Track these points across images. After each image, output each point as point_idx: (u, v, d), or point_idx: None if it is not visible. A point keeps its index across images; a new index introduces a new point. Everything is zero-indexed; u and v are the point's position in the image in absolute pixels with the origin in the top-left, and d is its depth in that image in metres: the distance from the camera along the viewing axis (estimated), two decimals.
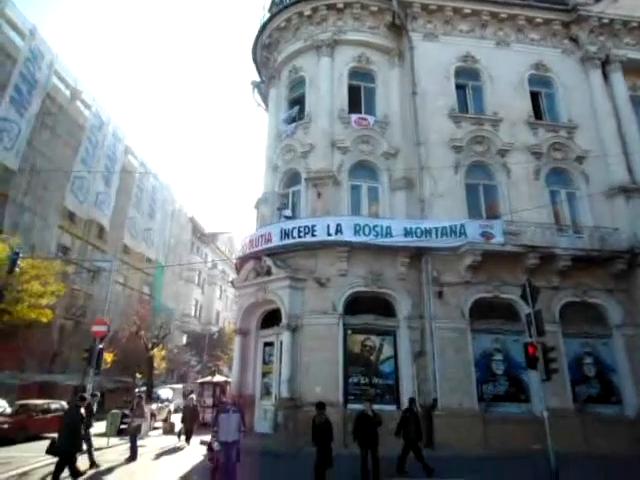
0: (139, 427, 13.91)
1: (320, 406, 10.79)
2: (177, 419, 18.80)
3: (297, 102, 19.98)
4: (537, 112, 19.30)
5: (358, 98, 19.23)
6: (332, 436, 10.47)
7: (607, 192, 17.64)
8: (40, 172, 25.74)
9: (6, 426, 15.87)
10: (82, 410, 10.19)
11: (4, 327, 21.66)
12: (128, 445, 13.37)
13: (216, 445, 9.66)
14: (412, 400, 12.06)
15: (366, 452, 10.07)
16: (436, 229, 15.78)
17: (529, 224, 16.15)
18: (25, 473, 10.64)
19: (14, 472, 10.64)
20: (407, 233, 15.74)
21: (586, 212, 17.57)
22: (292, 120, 19.51)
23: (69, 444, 9.65)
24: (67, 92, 29.28)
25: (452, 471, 10.95)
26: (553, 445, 10.53)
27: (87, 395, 11.89)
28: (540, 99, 19.85)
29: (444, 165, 17.23)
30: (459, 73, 19.33)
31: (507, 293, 15.58)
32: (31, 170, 25.35)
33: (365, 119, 18.52)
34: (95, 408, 14.25)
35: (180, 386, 31.63)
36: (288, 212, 17.99)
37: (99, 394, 16.14)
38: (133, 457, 12.79)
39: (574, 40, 20.37)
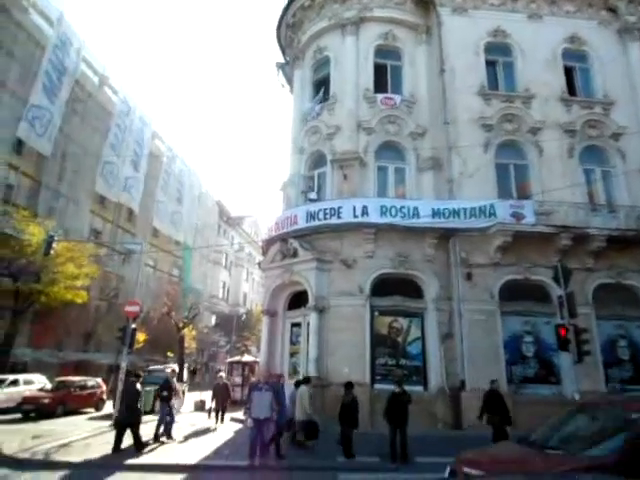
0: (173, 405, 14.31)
1: (348, 386, 11.00)
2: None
3: (322, 83, 19.77)
4: (571, 88, 18.59)
5: (384, 77, 18.87)
6: (357, 415, 10.67)
7: None
8: (71, 158, 26.40)
9: (47, 401, 16.70)
10: (138, 385, 11.08)
11: (42, 308, 22.62)
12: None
13: (249, 422, 9.95)
14: (493, 381, 11.72)
15: (395, 430, 10.17)
16: (465, 210, 15.53)
17: (561, 204, 15.70)
18: (65, 444, 11.16)
19: (55, 444, 11.18)
20: (435, 214, 15.55)
21: (622, 191, 16.96)
22: (317, 101, 19.34)
23: (128, 417, 10.54)
24: (95, 78, 29.75)
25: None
26: None
27: (142, 372, 13.36)
28: (574, 74, 19.10)
29: (473, 144, 16.85)
30: (489, 49, 18.72)
31: (538, 275, 15.28)
32: (63, 156, 26.02)
33: (391, 98, 18.20)
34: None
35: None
36: (313, 195, 17.98)
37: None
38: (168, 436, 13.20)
39: (612, 10, 19.43)
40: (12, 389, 17.72)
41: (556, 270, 11.97)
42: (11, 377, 18.47)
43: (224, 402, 15.12)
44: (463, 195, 16.37)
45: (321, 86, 19.59)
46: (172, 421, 12.47)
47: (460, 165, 16.88)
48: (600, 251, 15.30)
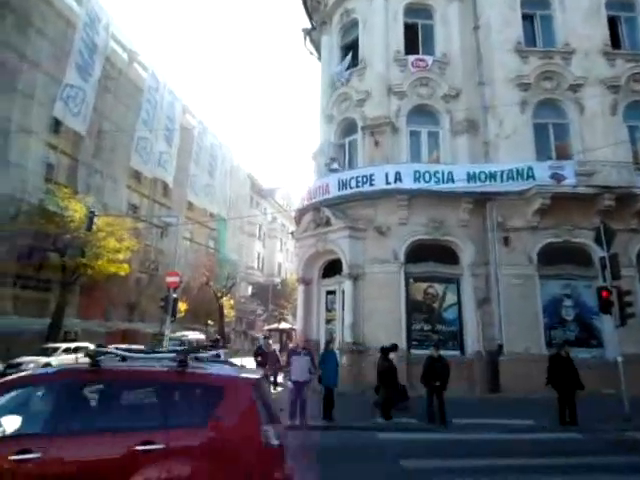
0: None
1: (384, 350, 11.20)
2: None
3: (350, 48, 19.32)
4: (615, 40, 17.49)
5: (415, 38, 18.26)
6: (396, 378, 10.93)
7: None
8: (106, 135, 27.04)
9: None
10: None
11: (88, 281, 23.73)
12: None
13: (289, 384, 10.34)
14: (562, 344, 11.52)
15: (432, 393, 10.34)
16: (501, 172, 15.14)
17: (604, 163, 15.06)
18: None
19: None
20: (470, 178, 15.23)
21: None
22: (346, 67, 18.95)
23: None
24: (124, 55, 30.04)
25: (519, 413, 11.05)
26: (627, 389, 10.31)
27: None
28: (619, 25, 17.98)
29: (510, 105, 16.24)
30: (525, 1, 17.72)
31: (579, 237, 14.87)
32: (98, 134, 26.67)
33: (423, 60, 17.64)
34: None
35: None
36: (335, 165, 17.89)
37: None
38: None
39: None
40: (65, 356, 18.87)
41: (598, 231, 11.61)
42: (64, 345, 19.67)
43: (275, 369, 15.59)
44: (499, 158, 15.95)
45: (349, 51, 19.15)
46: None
47: (496, 127, 16.38)
48: None
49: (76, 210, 21.14)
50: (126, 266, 23.45)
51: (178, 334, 24.44)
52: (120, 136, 27.80)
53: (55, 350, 18.95)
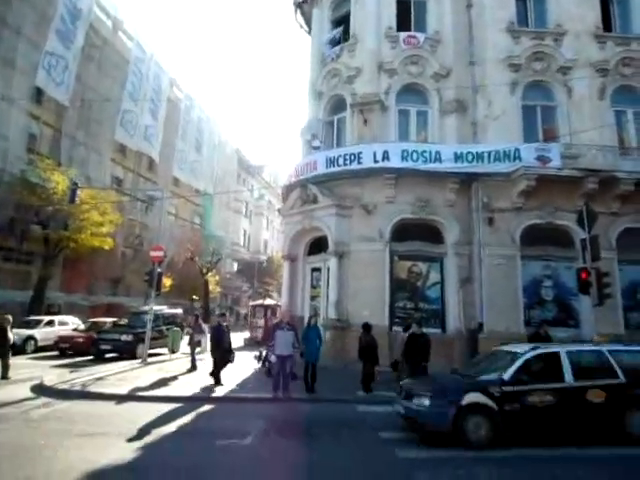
0: (199, 342, 15.11)
1: (366, 327, 11.39)
2: None
3: (341, 22, 18.98)
4: (606, 23, 17.43)
5: (407, 14, 17.97)
6: (377, 353, 11.13)
7: None
8: (90, 106, 26.41)
9: (81, 340, 17.72)
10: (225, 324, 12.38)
11: (72, 254, 23.50)
12: (189, 358, 14.58)
13: (273, 358, 10.47)
14: (541, 324, 11.84)
15: (413, 369, 10.53)
16: (489, 153, 15.18)
17: (590, 147, 15.17)
18: (100, 378, 11.95)
19: (91, 377, 11.99)
20: (457, 158, 15.26)
21: None
22: (337, 42, 18.65)
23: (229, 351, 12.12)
24: (109, 23, 29.17)
25: None
26: None
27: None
28: (611, 7, 17.87)
29: (499, 85, 16.20)
30: None
31: (561, 219, 15.05)
32: (82, 105, 26.02)
33: (414, 37, 17.43)
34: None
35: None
36: (316, 143, 17.77)
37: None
38: (193, 368, 14.01)
39: None
40: (48, 329, 18.83)
41: (581, 213, 11.78)
42: (47, 318, 19.57)
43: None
44: (487, 139, 15.98)
45: (341, 25, 18.83)
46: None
47: (485, 107, 16.37)
48: (628, 195, 14.89)
49: (59, 182, 20.79)
50: (110, 240, 23.24)
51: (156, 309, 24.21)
52: (105, 108, 27.18)
53: (38, 323, 18.89)
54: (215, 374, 11.62)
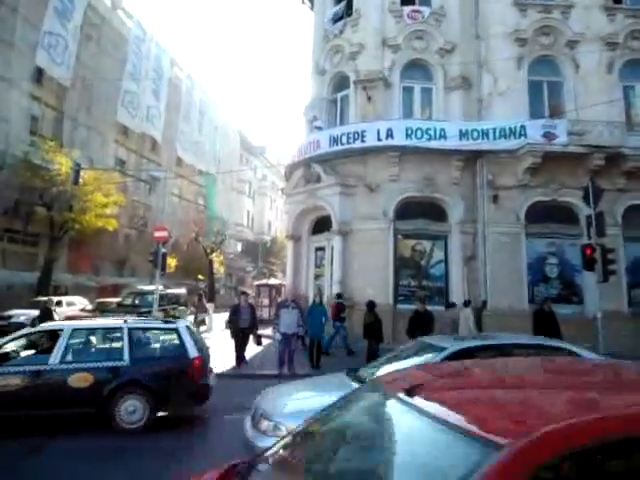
0: (203, 320, 15.28)
1: (370, 305, 11.50)
2: None
3: None
4: None
5: None
6: (381, 331, 11.25)
7: None
8: (91, 87, 26.19)
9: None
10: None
11: (77, 236, 23.61)
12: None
13: (277, 336, 10.59)
14: (545, 300, 11.78)
15: None
16: (494, 130, 15.04)
17: (596, 123, 14.96)
18: None
19: None
20: (462, 135, 15.12)
21: None
22: (339, 18, 18.32)
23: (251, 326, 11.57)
24: (107, 0, 28.68)
25: None
26: (604, 344, 10.70)
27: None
28: None
29: (505, 60, 15.96)
30: None
31: (566, 196, 14.97)
32: (83, 86, 25.79)
33: (419, 11, 17.09)
34: None
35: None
36: (319, 123, 17.65)
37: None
38: None
39: None
40: (56, 310, 18.99)
41: (586, 190, 11.72)
42: (55, 299, 19.72)
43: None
44: (493, 115, 15.82)
45: (344, 0, 18.46)
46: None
47: (490, 83, 16.15)
48: (634, 171, 14.79)
49: (62, 164, 20.75)
50: (113, 221, 23.29)
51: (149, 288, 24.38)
52: (106, 89, 26.92)
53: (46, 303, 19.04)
54: (237, 354, 11.38)
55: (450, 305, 13.41)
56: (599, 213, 11.53)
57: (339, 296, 13.78)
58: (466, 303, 12.73)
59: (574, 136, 14.81)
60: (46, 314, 12.72)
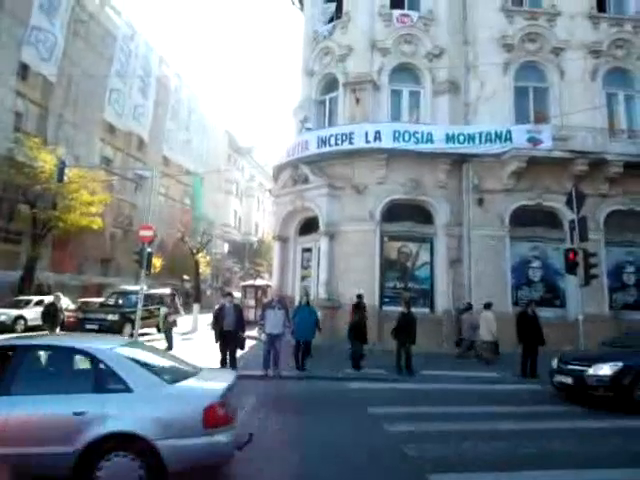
0: (175, 321, 15.15)
1: (358, 303, 11.53)
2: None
3: None
4: (601, 4, 17.35)
5: None
6: (365, 332, 11.27)
7: None
8: (78, 84, 25.89)
9: (71, 320, 17.61)
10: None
11: (61, 234, 23.29)
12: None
13: (263, 336, 10.54)
14: (529, 303, 11.83)
15: (401, 346, 10.72)
16: (480, 134, 15.21)
17: (580, 129, 15.27)
18: None
19: None
20: (449, 139, 15.27)
21: None
22: (329, 20, 18.37)
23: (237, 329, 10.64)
24: None
25: (484, 366, 11.68)
26: (585, 345, 10.87)
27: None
28: None
29: (492, 66, 16.16)
30: None
31: (550, 201, 15.21)
32: (69, 83, 25.48)
33: (408, 15, 17.21)
34: None
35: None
36: (309, 124, 17.68)
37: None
38: (170, 347, 13.99)
39: None
40: (38, 308, 18.68)
41: (570, 194, 11.89)
42: (36, 298, 19.46)
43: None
44: (479, 120, 16.01)
45: (334, 2, 18.50)
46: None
47: (477, 88, 16.35)
48: (616, 177, 15.09)
49: (46, 161, 20.45)
50: (99, 220, 23.02)
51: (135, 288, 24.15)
52: (93, 86, 26.63)
53: (27, 303, 18.77)
54: (221, 357, 10.68)
55: (466, 308, 13.60)
56: (582, 218, 11.70)
57: (360, 297, 13.40)
58: (487, 306, 12.78)
59: (558, 141, 15.09)
60: (50, 311, 12.66)
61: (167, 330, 14.60)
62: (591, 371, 7.77)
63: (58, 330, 13.00)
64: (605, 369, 7.65)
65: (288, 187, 17.39)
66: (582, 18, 16.94)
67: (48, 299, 19.84)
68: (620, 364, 7.60)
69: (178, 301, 16.10)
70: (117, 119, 29.01)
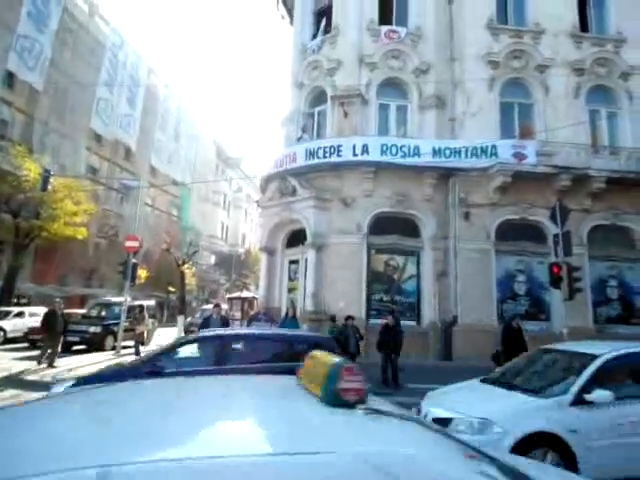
0: (142, 334, 14.92)
1: (348, 318, 11.43)
2: None
3: (324, 13, 18.90)
4: (583, 23, 17.80)
5: (389, 8, 18.01)
6: (349, 345, 11.18)
7: None
8: (65, 93, 25.72)
9: None
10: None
11: (44, 244, 22.91)
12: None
13: None
14: (514, 317, 11.79)
15: (387, 359, 10.66)
16: (466, 149, 15.39)
17: (564, 145, 15.52)
18: (71, 369, 11.73)
19: (62, 369, 11.78)
20: (435, 153, 15.42)
21: (626, 133, 16.74)
22: (318, 34, 18.55)
23: None
24: (85, 7, 28.38)
25: (469, 378, 11.56)
26: None
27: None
28: (588, 8, 18.25)
29: (478, 82, 16.40)
30: None
31: (535, 215, 15.39)
32: (56, 91, 25.30)
33: (395, 31, 17.46)
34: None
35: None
36: (305, 137, 17.83)
37: None
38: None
39: None
40: (18, 320, 18.32)
41: (554, 209, 12.03)
42: (16, 309, 19.06)
43: None
44: (465, 134, 16.19)
45: (323, 17, 18.74)
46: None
47: (464, 103, 16.56)
48: (599, 192, 15.33)
49: (31, 170, 20.18)
50: (83, 230, 22.72)
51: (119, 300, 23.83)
52: (80, 95, 26.46)
53: (7, 314, 18.35)
54: None
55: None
56: (566, 232, 11.82)
57: (392, 312, 13.41)
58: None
59: (543, 157, 15.32)
60: (50, 319, 12.38)
61: (135, 343, 14.43)
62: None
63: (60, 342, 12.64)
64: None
65: (276, 199, 17.36)
66: (565, 37, 17.34)
67: (31, 310, 19.59)
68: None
69: (146, 313, 15.87)
70: (104, 128, 28.79)
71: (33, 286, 24.18)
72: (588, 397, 4.57)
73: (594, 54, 17.25)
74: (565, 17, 17.41)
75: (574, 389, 4.73)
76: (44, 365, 11.80)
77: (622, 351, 5.06)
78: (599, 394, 4.53)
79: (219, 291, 44.63)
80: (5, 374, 10.74)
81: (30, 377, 10.46)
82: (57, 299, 12.84)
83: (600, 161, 15.60)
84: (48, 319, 12.61)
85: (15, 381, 10.23)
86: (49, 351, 12.12)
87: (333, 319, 12.29)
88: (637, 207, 15.62)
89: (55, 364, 11.91)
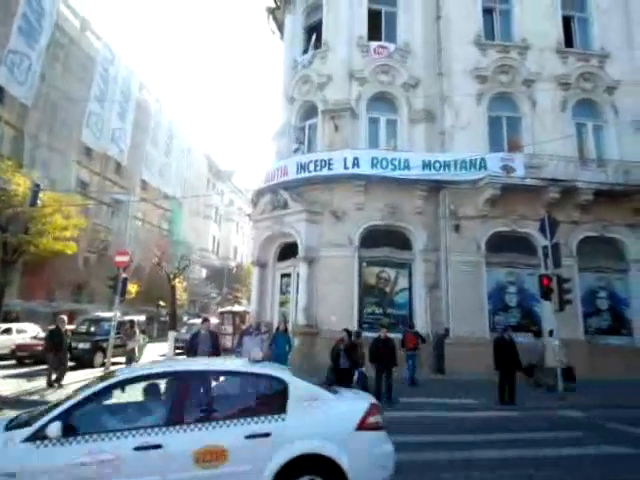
0: (133, 349, 14.72)
1: (348, 331, 11.30)
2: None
3: (314, 29, 19.11)
4: (568, 39, 18.19)
5: (378, 24, 18.26)
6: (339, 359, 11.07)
7: (636, 124, 16.92)
8: (55, 107, 25.67)
9: (40, 348, 16.91)
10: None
11: (32, 259, 22.59)
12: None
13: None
14: (505, 329, 11.73)
15: (381, 374, 10.60)
16: (455, 162, 15.54)
17: (552, 157, 15.73)
18: (60, 386, 11.51)
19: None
20: (425, 166, 15.55)
21: (612, 145, 17.03)
22: (309, 49, 18.75)
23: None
24: (76, 22, 28.50)
25: (462, 392, 11.56)
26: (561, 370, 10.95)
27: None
28: (572, 24, 18.65)
29: (466, 96, 16.65)
30: None
31: (525, 227, 15.54)
32: (46, 105, 25.25)
33: (385, 47, 17.70)
34: None
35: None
36: (301, 149, 17.90)
37: None
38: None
39: None
40: (5, 337, 17.99)
41: (543, 221, 12.17)
42: (4, 326, 18.73)
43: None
44: (455, 148, 16.36)
45: (313, 32, 18.95)
46: None
47: (452, 117, 16.77)
48: (587, 205, 15.54)
49: (20, 184, 19.99)
50: (73, 244, 22.45)
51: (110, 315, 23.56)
52: (71, 109, 26.43)
53: None
54: None
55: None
56: (555, 244, 11.95)
57: (411, 326, 13.69)
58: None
59: (531, 169, 15.52)
60: (54, 337, 11.97)
61: (127, 359, 14.22)
62: None
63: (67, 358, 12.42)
64: None
65: (267, 212, 17.36)
66: (551, 52, 17.69)
67: (18, 326, 19.28)
68: None
69: (137, 329, 15.67)
70: (95, 142, 28.77)
71: (21, 302, 23.83)
72: (48, 430, 3.73)
73: (579, 69, 17.60)
74: (550, 33, 17.78)
75: (43, 419, 3.84)
76: (56, 386, 11.50)
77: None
78: (54, 426, 3.73)
79: (210, 305, 44.31)
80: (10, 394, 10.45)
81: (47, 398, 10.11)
82: (61, 315, 12.49)
83: (588, 173, 15.81)
84: (52, 337, 12.08)
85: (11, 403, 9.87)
86: (56, 370, 11.81)
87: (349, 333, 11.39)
88: (625, 219, 15.86)
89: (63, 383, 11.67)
